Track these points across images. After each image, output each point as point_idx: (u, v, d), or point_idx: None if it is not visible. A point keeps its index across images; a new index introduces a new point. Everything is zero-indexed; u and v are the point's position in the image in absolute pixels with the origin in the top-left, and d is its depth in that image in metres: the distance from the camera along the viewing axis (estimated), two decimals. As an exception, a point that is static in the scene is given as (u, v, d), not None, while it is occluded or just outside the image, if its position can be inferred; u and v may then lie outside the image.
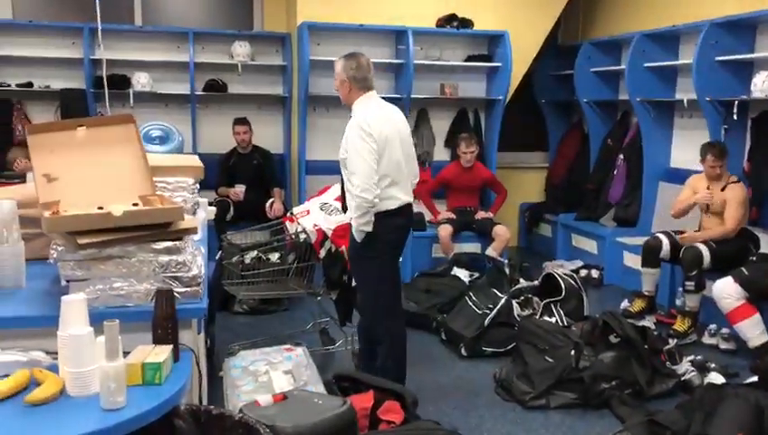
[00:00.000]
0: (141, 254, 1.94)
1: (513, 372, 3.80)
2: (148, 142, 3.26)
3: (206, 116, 6.41)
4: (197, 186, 2.54)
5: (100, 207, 2.01)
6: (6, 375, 1.72)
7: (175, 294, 1.94)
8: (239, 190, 5.82)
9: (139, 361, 1.76)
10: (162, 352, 1.81)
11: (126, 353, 1.83)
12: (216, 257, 4.40)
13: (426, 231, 5.96)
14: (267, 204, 5.81)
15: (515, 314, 4.37)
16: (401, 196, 3.33)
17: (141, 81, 6.05)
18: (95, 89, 5.86)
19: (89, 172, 2.18)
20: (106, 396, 1.60)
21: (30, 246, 2.21)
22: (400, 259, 3.58)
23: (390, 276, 3.42)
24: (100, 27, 3.88)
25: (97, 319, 1.74)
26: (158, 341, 1.87)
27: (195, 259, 2.05)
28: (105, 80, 3.95)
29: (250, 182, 5.88)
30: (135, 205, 2.10)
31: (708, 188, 4.63)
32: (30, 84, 5.91)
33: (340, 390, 3.04)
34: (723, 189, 4.58)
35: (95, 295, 1.92)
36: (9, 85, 5.86)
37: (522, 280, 5.13)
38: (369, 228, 3.20)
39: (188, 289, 2.00)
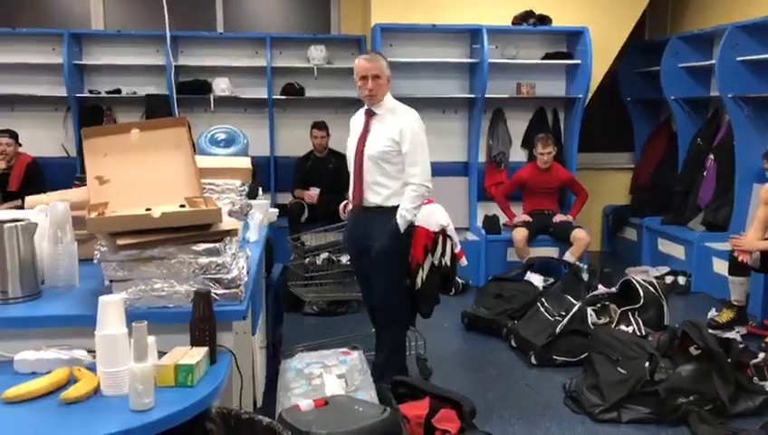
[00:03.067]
0: (181, 255, 1.96)
1: (583, 382, 3.63)
2: (213, 145, 3.33)
3: (284, 120, 6.52)
4: (246, 188, 2.55)
5: (148, 209, 2.05)
6: (48, 372, 1.78)
7: (213, 295, 1.94)
8: (314, 193, 5.89)
9: (173, 362, 1.77)
10: (197, 354, 1.82)
11: (165, 354, 1.86)
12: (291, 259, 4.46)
13: (500, 234, 5.82)
14: (341, 205, 5.82)
15: (590, 323, 4.18)
16: None
17: (221, 86, 6.23)
18: (178, 94, 6.08)
19: (140, 174, 2.22)
20: (134, 397, 1.62)
21: (85, 246, 2.28)
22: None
23: None
24: (168, 35, 3.92)
25: (139, 319, 1.76)
26: (194, 342, 1.88)
27: (236, 261, 2.05)
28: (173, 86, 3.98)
29: (325, 185, 5.93)
30: (182, 206, 2.12)
31: None
32: (118, 91, 6.20)
33: (395, 396, 2.99)
34: None
35: (137, 296, 1.95)
36: (99, 92, 6.17)
37: (600, 286, 4.91)
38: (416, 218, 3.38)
39: (228, 291, 1.99)
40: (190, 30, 6.33)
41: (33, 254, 2.12)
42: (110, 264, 1.93)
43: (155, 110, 6.04)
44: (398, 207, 3.30)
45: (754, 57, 5.33)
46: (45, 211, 2.28)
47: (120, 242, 1.86)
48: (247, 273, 2.19)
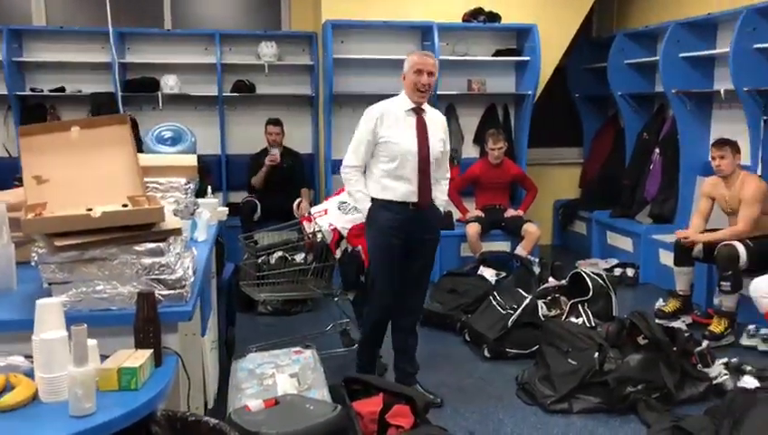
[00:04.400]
0: (124, 256, 1.91)
1: (535, 374, 3.68)
2: (160, 143, 3.25)
3: (235, 117, 6.44)
4: (191, 186, 2.50)
5: (89, 209, 1.99)
6: (-17, 379, 1.72)
7: (158, 296, 1.90)
8: (274, 154, 5.78)
9: (116, 366, 1.72)
10: (141, 357, 1.78)
11: (107, 357, 1.81)
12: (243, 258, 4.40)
13: (454, 230, 5.86)
14: (295, 203, 5.80)
15: (541, 315, 4.24)
16: None
17: (170, 83, 6.11)
18: (125, 92, 5.95)
19: (80, 173, 2.16)
20: (73, 402, 1.57)
21: (23, 249, 2.20)
22: None
23: None
24: (111, 31, 3.84)
25: (79, 322, 1.71)
26: (138, 345, 1.84)
27: (181, 261, 2.01)
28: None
29: (279, 183, 5.88)
30: (125, 206, 2.07)
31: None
32: (62, 89, 6.03)
33: (349, 393, 2.98)
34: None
35: (78, 298, 1.90)
36: (42, 90, 5.99)
37: (551, 279, 4.99)
38: None
39: (173, 292, 1.95)
40: (137, 26, 6.19)
41: (-33, 257, 2.05)
42: (49, 266, 1.87)
43: (102, 108, 5.88)
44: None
45: (696, 54, 5.48)
46: (-19, 213, 2.20)
47: (59, 243, 1.81)
48: (193, 273, 2.15)
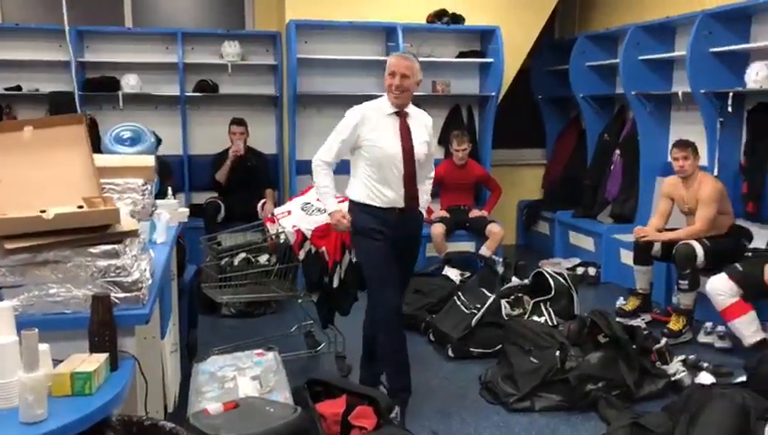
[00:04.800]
0: (78, 258, 1.87)
1: (498, 373, 3.71)
2: (118, 144, 3.19)
3: (198, 117, 6.36)
4: (149, 187, 2.47)
5: (43, 211, 1.95)
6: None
7: (114, 299, 1.87)
8: (238, 146, 5.71)
9: (69, 370, 1.69)
10: (96, 361, 1.74)
11: (61, 362, 1.77)
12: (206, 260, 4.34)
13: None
14: (259, 205, 5.76)
15: (504, 314, 4.28)
16: None
17: (130, 82, 6.01)
18: (84, 91, 5.84)
19: (34, 174, 2.11)
20: (24, 408, 1.53)
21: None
22: None
23: None
24: (67, 29, 3.77)
25: (31, 327, 1.67)
26: (93, 349, 1.80)
27: (137, 263, 1.98)
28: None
29: (243, 183, 5.82)
30: (80, 207, 2.03)
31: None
32: (18, 88, 5.89)
33: (312, 395, 2.97)
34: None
35: (30, 302, 1.85)
36: (-4, 89, 5.84)
37: (514, 279, 5.03)
38: None
39: (129, 294, 1.92)
40: (97, 24, 6.08)
41: None
42: (0, 269, 1.82)
43: (60, 108, 5.75)
44: None
45: (655, 56, 5.59)
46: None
47: (9, 246, 1.76)
48: (151, 275, 2.12)
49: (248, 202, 5.74)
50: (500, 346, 3.92)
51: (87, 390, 1.68)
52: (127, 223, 1.97)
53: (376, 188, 3.22)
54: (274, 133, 6.55)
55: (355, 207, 3.29)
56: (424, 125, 3.36)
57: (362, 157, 3.24)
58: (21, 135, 2.20)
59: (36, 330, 1.58)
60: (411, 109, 3.32)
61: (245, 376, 2.76)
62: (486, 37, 6.20)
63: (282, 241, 3.97)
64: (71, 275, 1.87)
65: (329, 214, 3.35)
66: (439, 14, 6.04)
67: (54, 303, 1.87)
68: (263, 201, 5.77)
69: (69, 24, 4.16)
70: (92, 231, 1.88)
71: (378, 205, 3.23)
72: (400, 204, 3.24)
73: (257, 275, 4.21)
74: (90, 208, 1.99)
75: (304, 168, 5.95)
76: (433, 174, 3.55)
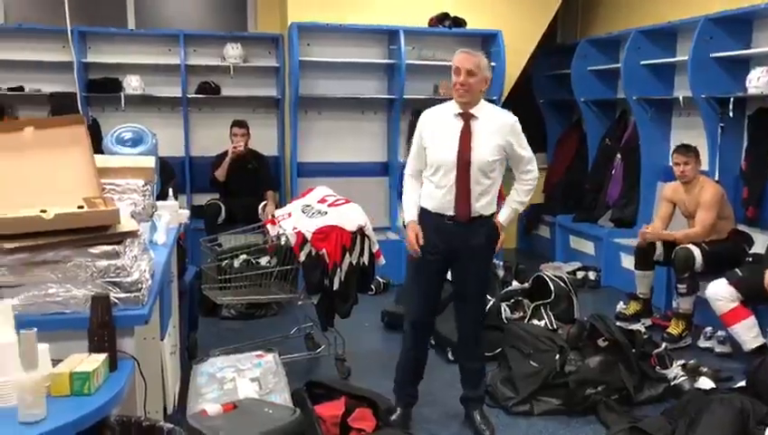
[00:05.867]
0: (78, 258, 1.87)
1: (497, 376, 3.71)
2: (120, 145, 3.20)
3: (199, 119, 6.37)
4: (149, 188, 2.47)
5: (43, 211, 1.95)
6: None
7: (113, 300, 1.87)
8: (239, 144, 5.70)
9: (68, 370, 1.69)
10: (95, 361, 1.75)
11: (60, 362, 1.78)
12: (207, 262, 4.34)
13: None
14: (260, 206, 5.76)
15: (504, 317, 4.28)
16: None
17: (133, 84, 6.03)
18: (86, 92, 5.86)
19: (34, 174, 2.12)
20: (22, 408, 1.54)
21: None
22: None
23: None
24: (69, 29, 3.78)
25: (30, 327, 1.68)
26: (93, 349, 1.81)
27: (137, 264, 1.98)
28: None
29: (244, 186, 5.82)
30: (80, 208, 2.03)
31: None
32: (21, 88, 5.90)
33: (312, 397, 2.97)
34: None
35: (29, 302, 1.85)
36: (0, 89, 5.85)
37: (514, 282, 5.04)
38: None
39: (129, 295, 1.92)
40: (100, 25, 6.09)
41: None
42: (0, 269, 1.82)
43: (62, 109, 5.75)
44: (490, 216, 3.13)
45: (656, 61, 5.59)
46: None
47: (9, 245, 1.77)
48: (151, 276, 2.12)
49: (249, 204, 5.75)
50: (500, 349, 3.92)
51: (86, 390, 1.68)
52: (127, 223, 1.98)
53: (430, 190, 3.11)
54: (275, 135, 6.56)
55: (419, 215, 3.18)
56: (499, 127, 3.06)
57: (425, 159, 3.13)
58: (22, 135, 2.20)
59: (35, 330, 1.58)
60: (485, 109, 3.09)
61: (245, 378, 2.77)
62: (488, 41, 6.20)
63: (282, 243, 3.97)
64: (70, 275, 1.88)
65: (404, 224, 3.25)
66: (441, 18, 6.05)
67: (53, 303, 1.88)
68: (263, 203, 5.77)
69: (71, 25, 4.18)
70: (92, 231, 1.89)
71: (430, 208, 3.12)
72: (450, 211, 3.07)
73: (257, 276, 4.21)
74: (90, 209, 1.99)
75: (305, 170, 6.00)
76: (531, 175, 3.18)
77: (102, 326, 1.82)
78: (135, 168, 2.43)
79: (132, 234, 1.95)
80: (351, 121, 6.25)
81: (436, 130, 3.09)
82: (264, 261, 4.52)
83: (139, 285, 1.95)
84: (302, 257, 3.87)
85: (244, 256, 4.55)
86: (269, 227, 4.13)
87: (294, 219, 3.93)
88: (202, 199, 6.03)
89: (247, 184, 5.82)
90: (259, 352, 3.16)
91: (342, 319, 3.95)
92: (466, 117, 3.05)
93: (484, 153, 3.02)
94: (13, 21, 6.11)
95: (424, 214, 3.15)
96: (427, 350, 3.46)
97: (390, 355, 4.28)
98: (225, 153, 5.84)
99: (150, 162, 2.51)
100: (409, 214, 3.18)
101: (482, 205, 3.07)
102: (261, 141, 6.23)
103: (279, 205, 5.90)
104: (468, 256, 3.12)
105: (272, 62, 6.41)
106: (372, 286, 4.72)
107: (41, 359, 1.62)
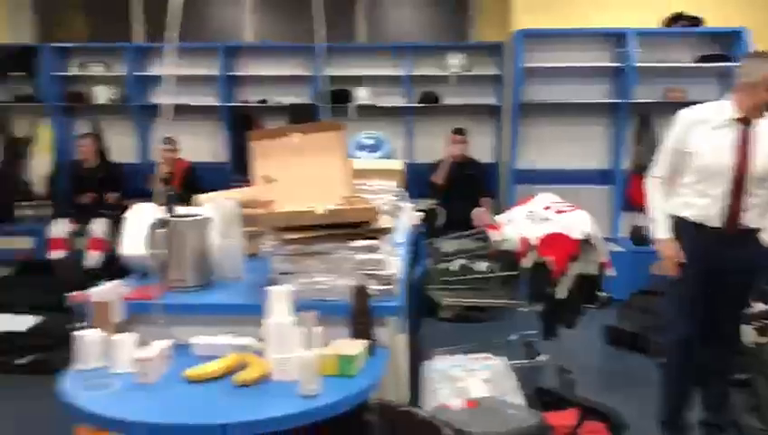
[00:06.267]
0: (341, 251, 2.03)
1: (743, 405, 3.38)
2: (360, 150, 3.43)
3: (420, 127, 6.60)
4: (401, 190, 2.60)
5: (310, 207, 2.15)
6: (219, 357, 1.90)
7: (370, 291, 2.00)
8: (455, 147, 5.88)
9: (336, 352, 1.83)
10: (357, 346, 1.88)
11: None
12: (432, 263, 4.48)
13: (647, 246, 5.55)
14: (474, 212, 5.82)
15: (747, 341, 3.88)
16: None
17: (361, 95, 6.41)
18: (320, 103, 6.34)
19: (301, 175, 2.34)
20: (303, 383, 1.69)
21: (249, 242, 2.41)
22: None
23: None
24: (317, 47, 4.08)
25: (298, 311, 1.86)
26: (354, 335, 1.95)
27: (391, 258, 2.10)
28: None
29: (466, 193, 5.94)
30: (340, 205, 2.20)
31: None
32: (264, 101, 6.54)
33: (541, 404, 2.93)
34: None
35: (301, 288, 2.04)
36: (248, 102, 6.54)
37: (760, 304, 4.55)
38: None
39: (384, 287, 2.05)
40: (333, 41, 6.55)
41: (207, 247, 2.28)
42: (279, 257, 2.04)
43: (299, 119, 6.29)
44: (758, 229, 2.95)
45: None
46: (214, 208, 2.44)
47: (288, 237, 1.96)
48: (399, 271, 2.24)
49: (466, 209, 5.80)
50: (747, 376, 3.57)
51: (351, 371, 1.81)
52: (382, 220, 2.11)
53: (690, 198, 2.95)
54: (491, 142, 6.59)
55: (674, 225, 3.03)
56: None
57: (685, 163, 2.96)
58: (290, 140, 2.44)
59: (315, 312, 1.74)
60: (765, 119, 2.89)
61: (476, 377, 2.80)
62: (729, 40, 5.71)
63: (505, 249, 3.97)
64: (335, 266, 2.04)
65: (656, 242, 3.09)
66: (675, 18, 5.69)
67: (319, 290, 2.05)
68: (479, 209, 5.82)
69: (309, 42, 4.57)
70: (354, 227, 2.04)
71: (691, 219, 2.96)
72: (716, 223, 2.91)
73: (476, 280, 4.25)
74: (351, 206, 2.15)
75: (523, 177, 5.95)
76: None
77: (361, 315, 1.95)
78: (385, 170, 2.58)
79: (387, 230, 2.08)
80: (571, 127, 6.10)
81: (707, 134, 2.89)
82: (480, 266, 4.55)
83: (393, 279, 2.06)
84: (527, 264, 3.85)
85: (462, 261, 4.63)
86: (490, 232, 4.16)
87: (519, 225, 3.91)
88: (422, 205, 6.23)
89: (465, 190, 5.92)
90: (486, 355, 3.18)
91: (568, 329, 3.86)
92: (746, 122, 2.87)
93: (764, 162, 2.84)
94: (260, 38, 6.80)
95: (681, 224, 2.97)
96: (693, 373, 3.19)
97: (612, 372, 4.12)
98: (443, 162, 6.02)
99: (399, 165, 2.66)
100: (662, 230, 3.00)
101: (751, 217, 2.87)
102: (477, 148, 6.30)
103: (499, 211, 5.91)
104: (731, 270, 2.93)
105: (493, 71, 6.45)
106: (597, 299, 4.54)
107: (316, 340, 1.78)
